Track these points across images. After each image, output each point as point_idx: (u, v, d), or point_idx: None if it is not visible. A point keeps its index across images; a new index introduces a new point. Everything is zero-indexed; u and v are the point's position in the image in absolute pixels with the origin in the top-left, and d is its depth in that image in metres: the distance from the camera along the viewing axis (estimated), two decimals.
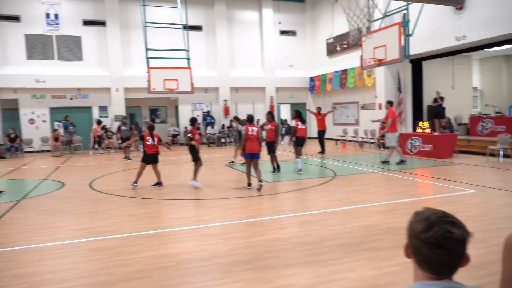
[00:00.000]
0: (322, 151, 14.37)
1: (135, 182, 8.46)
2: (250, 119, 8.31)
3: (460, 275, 1.20)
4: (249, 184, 8.03)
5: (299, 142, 9.98)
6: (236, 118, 13.13)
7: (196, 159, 8.44)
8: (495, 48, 14.17)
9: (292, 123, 10.09)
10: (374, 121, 12.89)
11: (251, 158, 7.90)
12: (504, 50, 16.31)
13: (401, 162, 11.10)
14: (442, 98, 13.99)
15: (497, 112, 15.80)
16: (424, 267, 1.19)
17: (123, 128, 14.83)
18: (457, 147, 12.75)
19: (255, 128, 7.90)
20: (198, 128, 8.94)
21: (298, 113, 10.20)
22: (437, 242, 1.13)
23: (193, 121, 8.65)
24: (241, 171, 10.46)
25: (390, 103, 11.54)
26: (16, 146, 16.11)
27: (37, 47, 17.80)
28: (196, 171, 8.45)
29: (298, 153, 10.02)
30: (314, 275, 3.69)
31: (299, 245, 4.53)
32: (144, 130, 14.16)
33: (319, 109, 15.07)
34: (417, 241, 1.18)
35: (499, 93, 19.15)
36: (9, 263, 4.19)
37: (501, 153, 10.84)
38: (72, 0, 18.20)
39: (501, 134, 11.32)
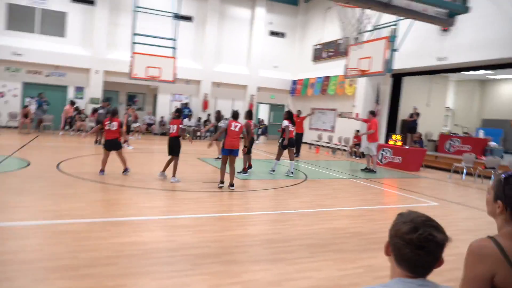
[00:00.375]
0: (297, 154, 14.55)
1: (102, 170, 8.10)
2: (234, 115, 7.97)
3: None
4: (222, 182, 7.65)
5: (290, 144, 9.76)
6: (218, 112, 13.11)
7: (178, 153, 8.08)
8: (471, 72, 14.76)
9: (284, 123, 9.64)
10: (345, 116, 13.30)
11: (229, 154, 7.60)
12: (479, 75, 17.04)
13: (371, 171, 11.42)
14: (418, 114, 14.46)
15: (465, 133, 16.46)
16: (403, 265, 1.28)
17: (101, 111, 14.26)
18: (425, 162, 13.23)
19: (238, 124, 7.65)
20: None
21: (290, 114, 9.93)
22: (420, 244, 1.22)
23: (179, 112, 8.38)
24: (214, 166, 10.44)
25: (372, 113, 11.82)
26: None
27: (19, 18, 17.09)
28: (175, 166, 8.01)
29: (290, 156, 9.88)
30: (280, 272, 3.76)
31: (267, 242, 4.59)
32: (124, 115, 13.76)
33: (299, 112, 15.21)
34: (401, 241, 1.26)
35: (469, 114, 19.98)
36: None
37: (464, 171, 11.33)
38: None
39: (466, 153, 11.85)
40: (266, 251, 4.34)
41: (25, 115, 15.86)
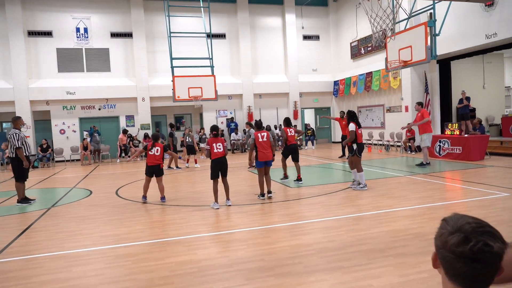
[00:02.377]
0: (343, 155, 14.28)
1: (144, 196, 7.90)
2: (258, 125, 7.75)
3: None
4: (263, 195, 7.64)
5: (360, 150, 8.17)
6: (249, 124, 13.22)
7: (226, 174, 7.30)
8: None
9: (351, 127, 8.09)
10: (404, 128, 12.60)
11: (265, 166, 7.55)
12: None
13: (425, 164, 10.90)
14: (468, 99, 13.52)
15: None
16: (457, 280, 1.10)
17: (176, 135, 15.13)
18: (489, 149, 12.26)
19: (264, 134, 7.53)
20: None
21: (352, 115, 8.29)
22: (475, 256, 1.04)
23: (216, 129, 7.30)
24: None
25: (420, 104, 11.44)
26: (48, 156, 16.72)
27: (68, 60, 18.51)
28: (228, 188, 7.29)
29: (358, 165, 8.13)
30: (337, 281, 3.60)
31: (322, 251, 4.44)
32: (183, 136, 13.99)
33: (342, 113, 14.82)
34: (451, 254, 1.08)
35: None
36: (38, 269, 4.32)
37: None
38: (101, 14, 18.84)
39: None
40: (322, 260, 4.18)
41: (85, 148, 16.93)
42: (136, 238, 5.37)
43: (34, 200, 8.47)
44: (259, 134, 7.51)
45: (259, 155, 7.47)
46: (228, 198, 7.23)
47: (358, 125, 8.23)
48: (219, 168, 7.06)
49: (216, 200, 7.07)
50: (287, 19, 21.13)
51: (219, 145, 7.04)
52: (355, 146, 8.11)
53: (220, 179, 7.17)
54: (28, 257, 4.77)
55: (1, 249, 5.13)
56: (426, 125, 10.92)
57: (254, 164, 7.75)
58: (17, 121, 8.28)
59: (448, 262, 1.10)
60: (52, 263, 4.53)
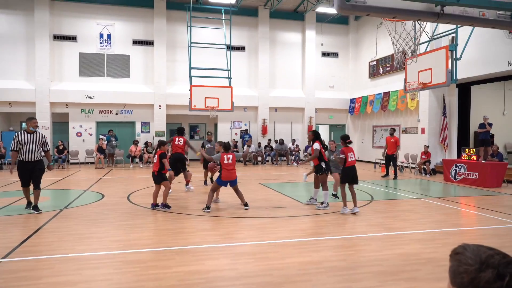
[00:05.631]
0: (386, 174, 14.03)
1: (153, 204, 8.09)
2: (226, 147, 8.01)
3: None
4: (209, 207, 7.68)
5: (329, 167, 8.36)
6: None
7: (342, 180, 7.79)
8: None
9: (316, 146, 8.11)
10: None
11: (228, 185, 7.93)
12: None
13: None
14: (490, 124, 13.29)
15: None
16: None
17: (208, 146, 11.81)
18: (506, 177, 11.99)
19: (230, 156, 7.82)
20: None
21: (316, 135, 8.39)
22: None
23: (347, 138, 7.95)
24: (275, 190, 10.37)
25: None
26: (63, 157, 17.00)
27: (89, 64, 18.95)
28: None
29: (325, 184, 8.19)
30: None
31: (332, 270, 4.38)
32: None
33: (392, 130, 14.40)
34: None
35: None
36: (48, 270, 4.36)
37: None
38: (124, 21, 19.29)
39: None
40: (331, 279, 4.12)
41: (100, 149, 17.15)
42: (146, 245, 5.38)
43: (40, 212, 7.43)
44: (225, 156, 7.80)
45: (222, 174, 7.82)
46: (355, 206, 7.58)
47: (323, 145, 8.32)
48: (351, 175, 7.64)
49: (345, 205, 7.56)
50: (307, 35, 21.27)
51: (352, 155, 7.70)
52: (323, 164, 8.10)
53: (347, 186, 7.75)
54: (40, 257, 4.82)
55: (14, 247, 5.19)
56: None
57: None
58: (27, 122, 7.58)
59: None
60: (63, 264, 4.56)
